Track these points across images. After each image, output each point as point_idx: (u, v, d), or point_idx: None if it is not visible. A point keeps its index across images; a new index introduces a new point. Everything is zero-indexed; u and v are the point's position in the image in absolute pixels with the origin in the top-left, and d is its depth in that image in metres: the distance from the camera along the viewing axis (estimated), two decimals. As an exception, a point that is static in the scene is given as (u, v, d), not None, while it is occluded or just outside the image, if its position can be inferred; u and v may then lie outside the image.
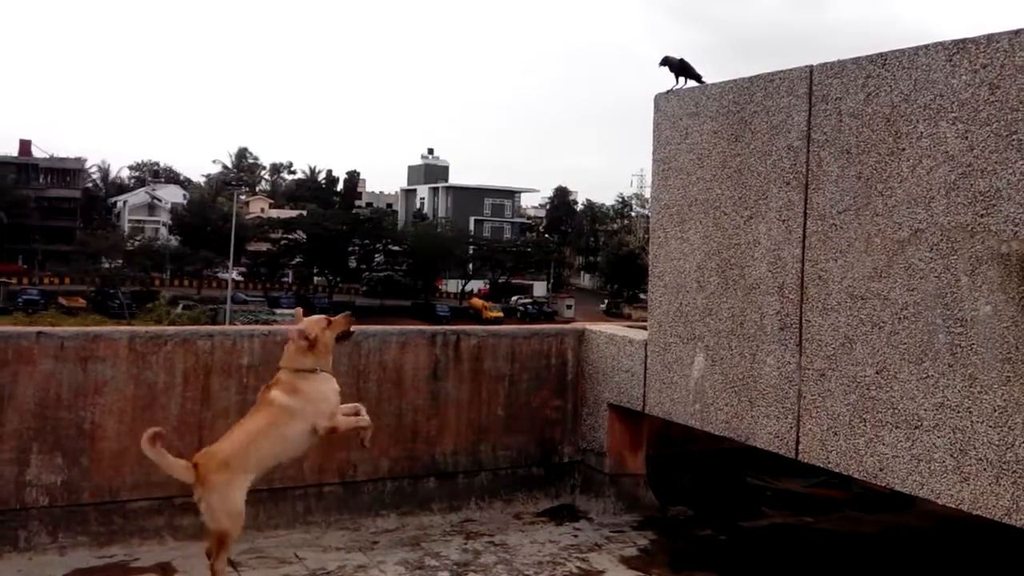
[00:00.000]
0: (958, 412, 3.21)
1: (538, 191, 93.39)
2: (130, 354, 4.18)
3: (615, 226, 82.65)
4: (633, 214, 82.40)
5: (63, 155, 74.09)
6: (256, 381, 4.39)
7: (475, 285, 71.36)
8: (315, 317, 3.58)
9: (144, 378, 4.19)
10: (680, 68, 4.45)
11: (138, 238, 67.14)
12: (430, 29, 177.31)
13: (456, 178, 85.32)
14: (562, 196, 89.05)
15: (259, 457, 3.40)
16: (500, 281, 71.41)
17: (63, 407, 4.05)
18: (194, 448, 4.24)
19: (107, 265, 61.14)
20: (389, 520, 4.56)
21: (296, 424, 3.43)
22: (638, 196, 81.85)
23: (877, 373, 3.49)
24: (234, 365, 4.36)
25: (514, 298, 68.71)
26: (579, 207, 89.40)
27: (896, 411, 3.42)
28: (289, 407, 3.40)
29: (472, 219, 77.63)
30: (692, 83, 4.47)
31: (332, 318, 3.61)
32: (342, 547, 4.20)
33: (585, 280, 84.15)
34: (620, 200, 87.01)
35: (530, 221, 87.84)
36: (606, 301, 69.38)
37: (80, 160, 75.77)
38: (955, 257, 3.23)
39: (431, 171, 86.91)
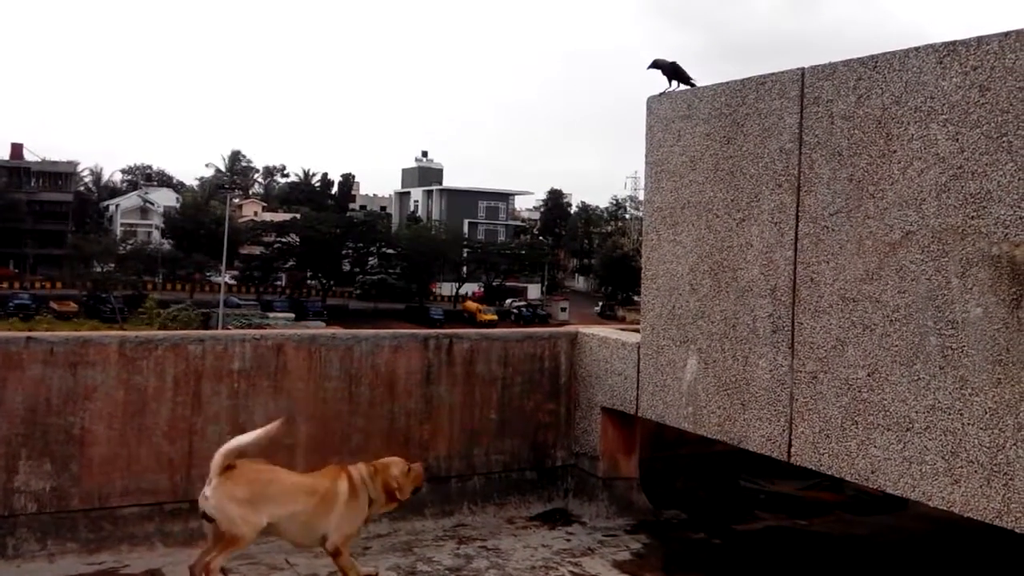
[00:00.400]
0: (949, 414, 3.21)
1: (532, 193, 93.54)
2: (120, 359, 4.15)
3: (609, 228, 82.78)
4: (627, 216, 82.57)
5: (56, 159, 73.81)
6: (247, 386, 4.38)
7: (469, 288, 71.33)
8: (398, 462, 3.76)
9: (134, 383, 4.16)
10: (672, 71, 4.45)
11: (130, 242, 66.79)
12: (424, 32, 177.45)
13: (450, 181, 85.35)
14: (556, 199, 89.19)
15: (281, 513, 3.45)
16: (494, 284, 71.39)
17: (52, 413, 4.02)
18: (185, 454, 4.23)
19: (99, 269, 60.85)
20: (381, 525, 4.52)
21: (323, 522, 3.53)
22: (632, 199, 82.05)
23: (869, 375, 3.50)
24: (225, 370, 4.33)
25: (508, 301, 68.69)
26: (573, 210, 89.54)
27: (887, 413, 3.42)
28: (338, 506, 3.53)
29: (466, 222, 77.64)
30: (684, 86, 4.47)
31: (412, 465, 3.81)
32: (334, 552, 4.17)
33: (579, 283, 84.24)
34: (614, 202, 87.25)
35: (524, 224, 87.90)
36: (600, 304, 69.48)
37: (72, 164, 75.52)
38: (946, 259, 3.24)
39: (425, 174, 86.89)
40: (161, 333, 4.57)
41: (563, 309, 66.68)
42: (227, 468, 3.38)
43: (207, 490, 3.38)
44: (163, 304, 50.77)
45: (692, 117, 4.38)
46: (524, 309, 65.02)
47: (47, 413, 4.01)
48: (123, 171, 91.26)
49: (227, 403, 4.31)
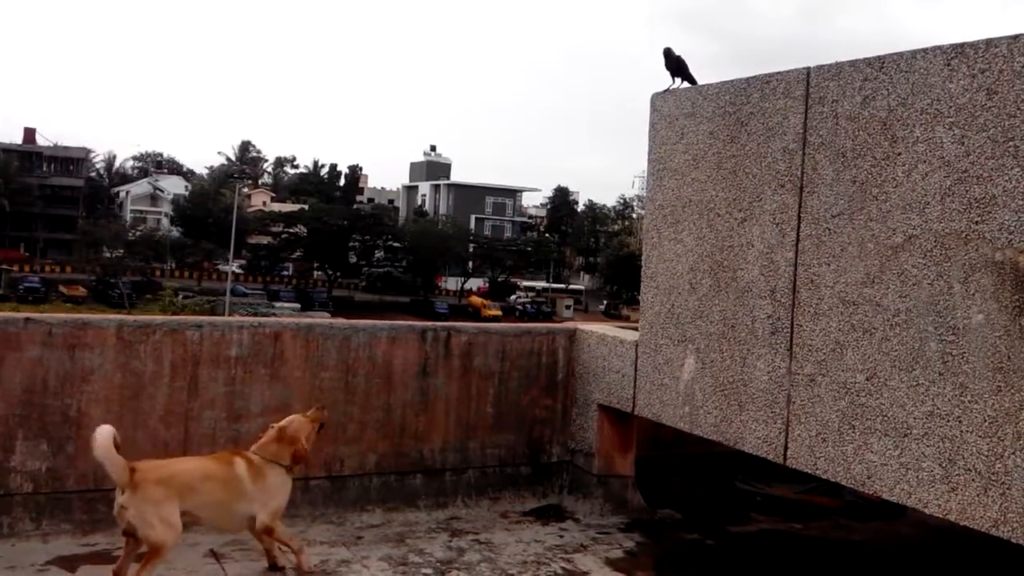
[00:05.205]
0: (948, 421, 3.18)
1: (539, 190, 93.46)
2: (118, 342, 4.15)
3: (616, 227, 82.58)
4: (634, 215, 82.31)
5: (72, 145, 74.11)
6: (244, 372, 4.38)
7: (475, 283, 71.33)
8: (299, 421, 3.72)
9: (132, 367, 4.17)
10: (676, 67, 4.41)
11: (140, 228, 67.16)
12: (437, 27, 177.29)
13: (458, 176, 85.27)
14: (563, 196, 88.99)
15: (198, 500, 3.42)
16: (499, 280, 71.35)
17: (50, 394, 4.03)
18: (180, 439, 4.24)
19: (108, 254, 61.14)
20: (375, 515, 4.54)
21: (242, 505, 3.51)
22: (639, 197, 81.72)
23: (867, 380, 3.46)
24: (222, 356, 4.33)
25: (513, 296, 68.70)
26: (580, 208, 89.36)
27: (885, 418, 3.39)
28: (245, 489, 3.50)
29: (473, 217, 77.59)
30: (686, 84, 4.44)
31: (308, 415, 3.78)
32: (326, 541, 4.18)
33: (585, 281, 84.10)
34: (621, 201, 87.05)
35: (531, 220, 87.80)
36: (605, 302, 69.38)
37: (84, 149, 75.81)
38: (948, 264, 3.20)
39: (433, 168, 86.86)
40: (159, 318, 4.57)
41: (568, 307, 66.60)
42: (132, 473, 3.30)
43: (123, 500, 3.27)
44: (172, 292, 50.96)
45: (696, 115, 4.34)
46: (528, 305, 64.99)
47: (44, 394, 4.02)
48: (134, 158, 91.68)
49: (224, 389, 4.32)
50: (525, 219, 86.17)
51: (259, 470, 3.55)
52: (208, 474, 3.48)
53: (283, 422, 3.73)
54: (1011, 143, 3.02)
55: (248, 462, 3.56)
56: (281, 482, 3.61)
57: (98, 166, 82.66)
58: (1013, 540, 2.98)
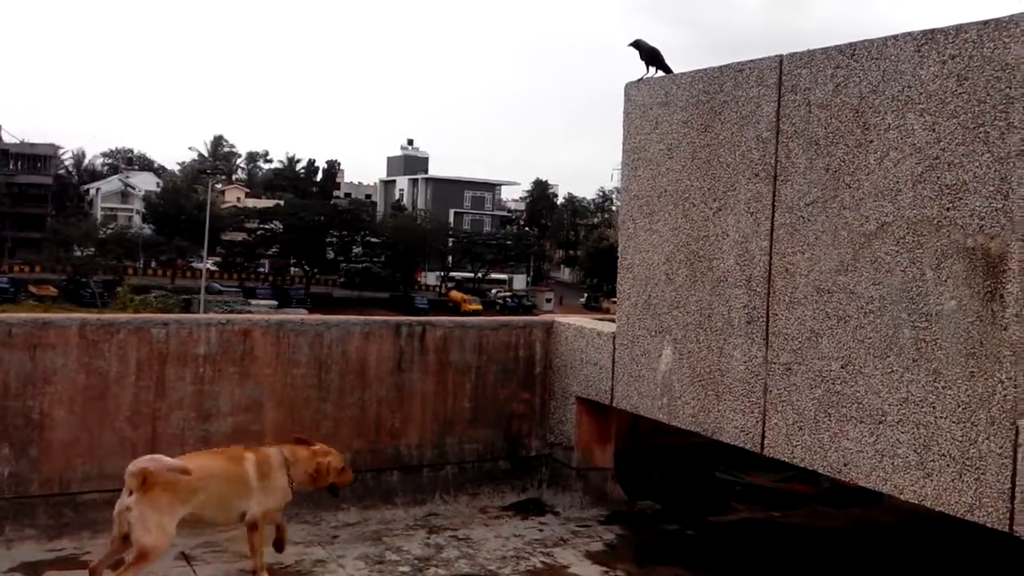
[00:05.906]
0: (922, 407, 3.19)
1: (518, 184, 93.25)
2: (81, 342, 4.04)
3: (595, 220, 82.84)
4: (614, 208, 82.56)
5: (36, 141, 72.49)
6: (213, 371, 4.28)
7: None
8: (338, 456, 3.79)
9: (96, 367, 4.06)
10: (650, 56, 4.38)
11: (111, 226, 65.97)
12: (413, 20, 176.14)
13: (436, 170, 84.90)
14: (542, 189, 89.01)
15: (202, 500, 3.39)
16: (478, 275, 71.24)
17: (11, 396, 3.91)
18: (148, 439, 4.13)
19: (79, 253, 60.03)
20: (350, 514, 4.47)
21: (242, 501, 3.50)
22: (619, 190, 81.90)
23: (842, 367, 3.47)
24: (190, 354, 4.23)
25: (493, 291, 68.68)
26: (560, 201, 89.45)
27: (861, 406, 3.40)
28: (249, 485, 3.50)
29: (452, 211, 77.32)
30: (661, 73, 4.40)
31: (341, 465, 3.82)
32: (301, 541, 4.11)
33: (565, 274, 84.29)
34: (601, 194, 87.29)
35: (510, 214, 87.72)
36: (585, 295, 69.65)
37: (52, 146, 74.22)
38: (921, 251, 3.21)
39: (411, 162, 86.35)
40: (123, 316, 4.45)
41: (548, 300, 66.75)
42: (144, 477, 3.25)
43: (129, 501, 3.21)
44: (144, 289, 50.15)
45: (670, 104, 4.31)
46: (509, 299, 65.00)
47: (5, 396, 3.90)
48: (104, 155, 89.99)
49: (192, 388, 4.22)
50: (504, 213, 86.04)
51: (268, 468, 3.55)
52: (215, 473, 3.46)
53: (326, 448, 3.79)
54: (981, 129, 3.02)
55: (260, 459, 3.55)
56: (283, 487, 3.62)
57: (67, 163, 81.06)
58: (988, 525, 3.00)
